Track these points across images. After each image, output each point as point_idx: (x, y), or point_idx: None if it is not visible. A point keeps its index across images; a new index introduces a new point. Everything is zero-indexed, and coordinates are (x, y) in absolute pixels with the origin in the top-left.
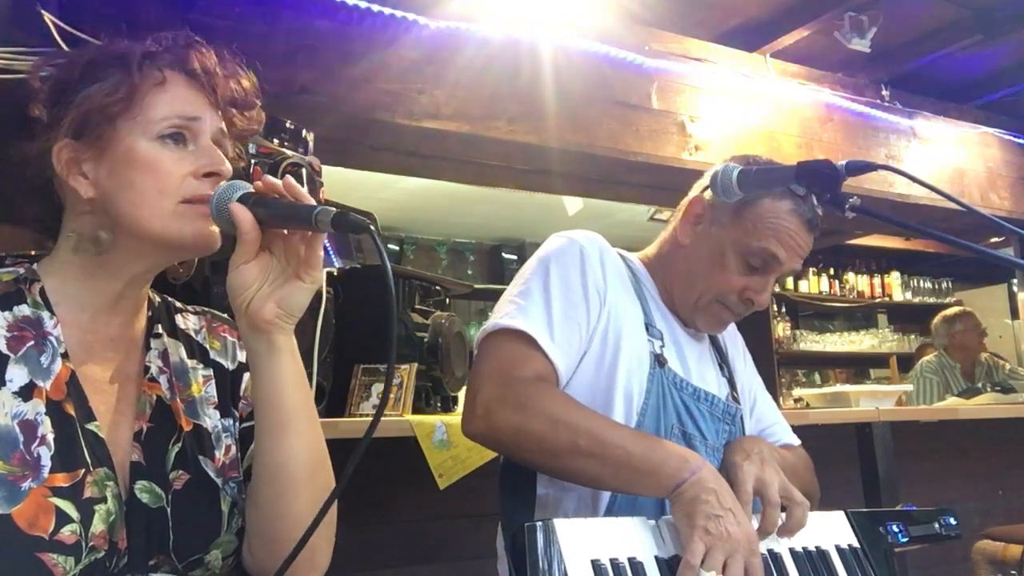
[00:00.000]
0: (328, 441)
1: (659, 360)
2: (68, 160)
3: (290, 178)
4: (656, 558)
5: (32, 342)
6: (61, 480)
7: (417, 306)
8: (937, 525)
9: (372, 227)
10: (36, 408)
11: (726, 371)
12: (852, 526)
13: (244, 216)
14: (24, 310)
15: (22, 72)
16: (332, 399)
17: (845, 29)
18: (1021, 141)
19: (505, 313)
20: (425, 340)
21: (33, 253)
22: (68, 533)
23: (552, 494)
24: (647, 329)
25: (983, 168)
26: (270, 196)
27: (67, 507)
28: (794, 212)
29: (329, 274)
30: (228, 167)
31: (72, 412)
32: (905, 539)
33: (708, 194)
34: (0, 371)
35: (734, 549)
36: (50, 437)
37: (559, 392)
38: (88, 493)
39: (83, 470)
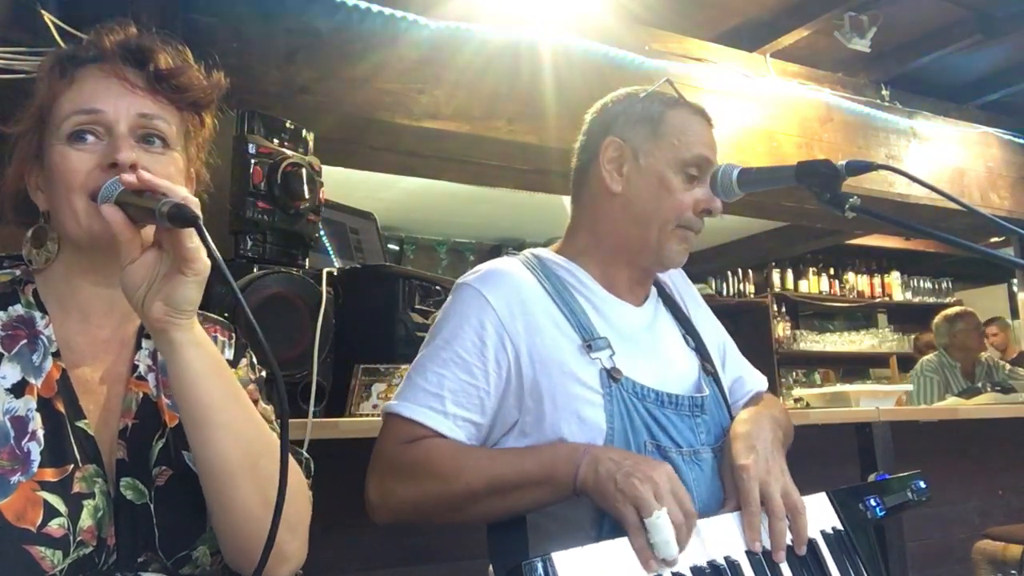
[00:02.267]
0: (328, 441)
1: (612, 376)
2: (33, 181)
3: (143, 172)
4: None
5: (25, 340)
6: (50, 475)
7: (417, 306)
8: (909, 492)
9: (199, 220)
10: (27, 404)
11: (692, 340)
12: (834, 506)
13: (114, 216)
14: (18, 309)
15: (22, 72)
16: (332, 399)
17: (845, 29)
18: (1021, 141)
19: (400, 392)
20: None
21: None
22: (56, 527)
23: (542, 523)
24: (589, 348)
25: (983, 168)
26: (141, 192)
27: (55, 501)
28: (696, 113)
29: (329, 274)
30: (127, 154)
31: (62, 409)
32: (883, 512)
33: (611, 136)
34: None
35: (657, 486)
36: (40, 433)
37: (441, 444)
38: (76, 488)
39: (72, 466)
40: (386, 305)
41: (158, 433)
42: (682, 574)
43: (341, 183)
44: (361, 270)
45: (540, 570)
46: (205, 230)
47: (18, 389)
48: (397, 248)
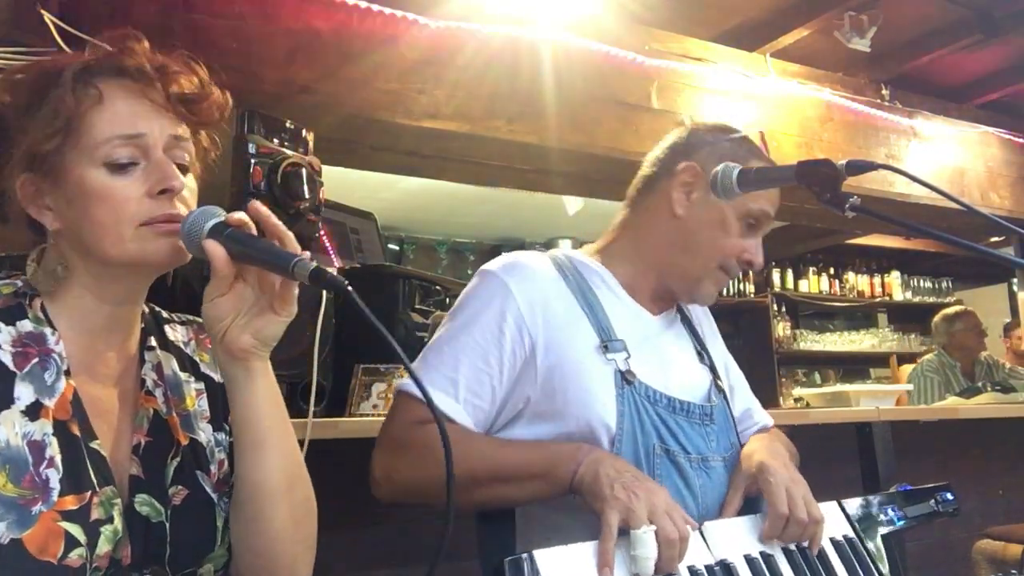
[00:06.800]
0: (328, 441)
1: (626, 378)
2: (31, 194)
3: (267, 213)
4: None
5: (36, 359)
6: (70, 503)
7: (417, 306)
8: (934, 502)
9: (350, 288)
10: (43, 428)
11: (706, 357)
12: (845, 515)
13: (217, 253)
14: (27, 325)
15: None
16: (332, 399)
17: (845, 29)
18: (1021, 141)
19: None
20: (425, 340)
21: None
22: (75, 557)
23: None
24: (605, 348)
25: (983, 168)
26: (246, 233)
27: (75, 531)
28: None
29: None
30: (179, 181)
31: (77, 432)
32: (902, 521)
33: (691, 161)
34: (8, 389)
35: (655, 506)
36: (58, 459)
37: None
38: (95, 515)
39: (90, 492)
40: (386, 305)
41: (171, 452)
42: None
43: (341, 183)
44: (361, 270)
45: (523, 567)
46: (356, 295)
47: (33, 411)
48: (397, 248)
